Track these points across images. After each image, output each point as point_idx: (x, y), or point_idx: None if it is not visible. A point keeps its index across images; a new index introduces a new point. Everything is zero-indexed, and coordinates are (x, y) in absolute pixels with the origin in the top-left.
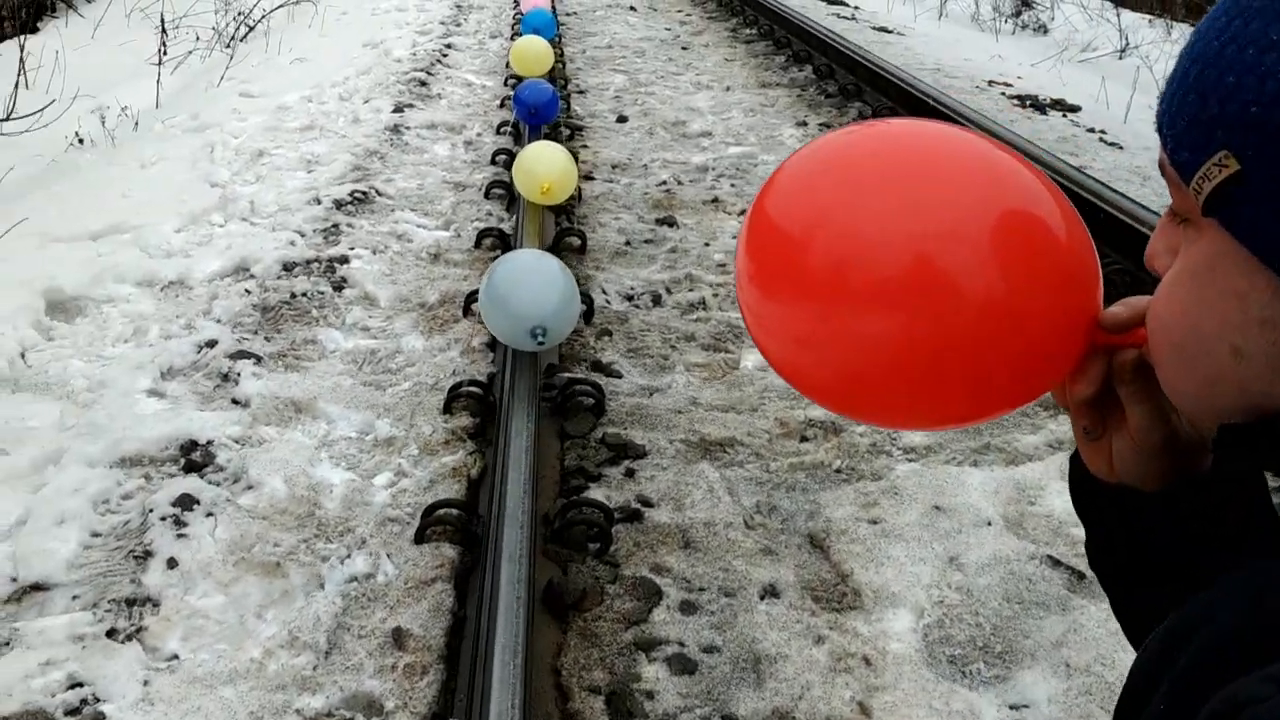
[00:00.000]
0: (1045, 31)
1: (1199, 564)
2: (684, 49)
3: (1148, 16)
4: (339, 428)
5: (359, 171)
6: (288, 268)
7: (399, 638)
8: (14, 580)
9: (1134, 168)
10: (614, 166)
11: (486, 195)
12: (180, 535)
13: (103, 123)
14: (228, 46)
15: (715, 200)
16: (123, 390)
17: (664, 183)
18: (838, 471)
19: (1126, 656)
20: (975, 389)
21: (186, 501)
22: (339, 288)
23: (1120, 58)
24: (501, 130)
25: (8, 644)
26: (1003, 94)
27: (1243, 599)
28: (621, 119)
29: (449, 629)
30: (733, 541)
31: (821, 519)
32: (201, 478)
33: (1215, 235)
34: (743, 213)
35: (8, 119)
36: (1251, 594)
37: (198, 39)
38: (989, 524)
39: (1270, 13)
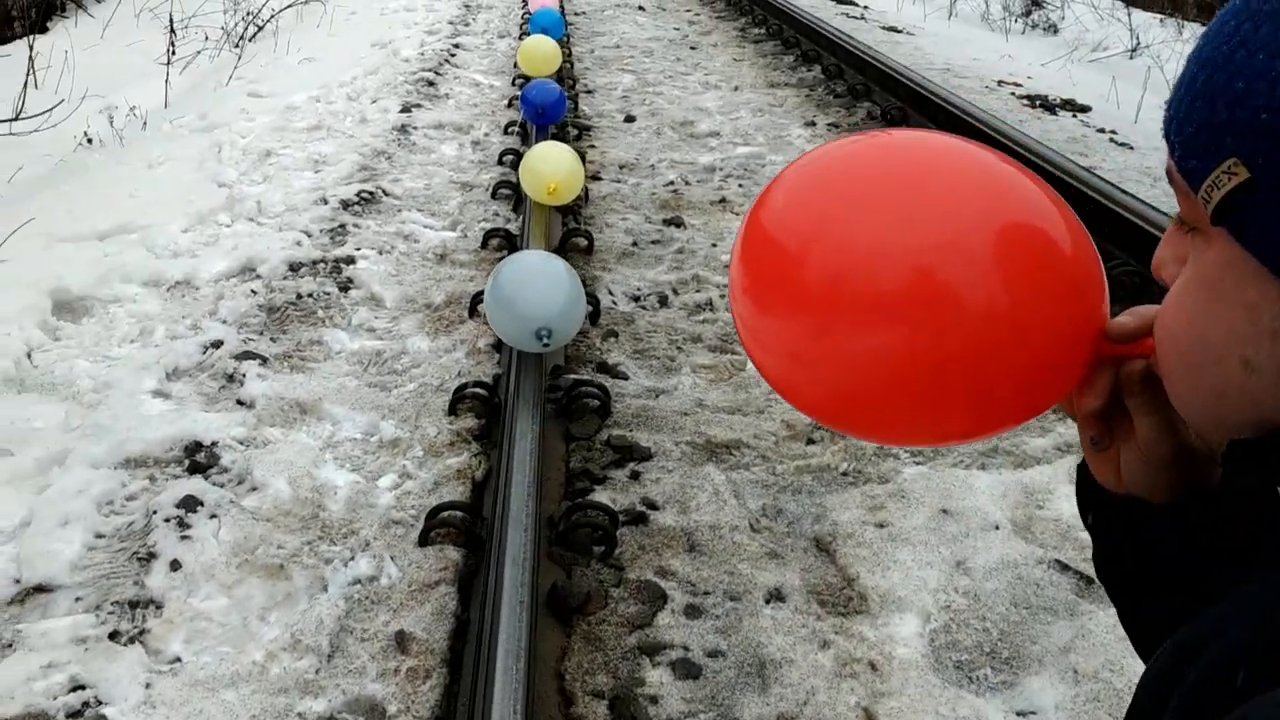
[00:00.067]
0: (1055, 31)
1: (1207, 576)
2: (692, 49)
3: (1159, 16)
4: (344, 429)
5: (366, 171)
6: (294, 268)
7: (402, 641)
8: (17, 582)
9: (1144, 168)
10: (621, 166)
11: (493, 195)
12: (184, 537)
13: (111, 123)
14: (236, 46)
15: (723, 201)
16: (128, 391)
17: (671, 183)
18: (844, 474)
19: (1135, 663)
20: (978, 404)
21: (190, 503)
22: (345, 288)
23: (1131, 57)
24: (509, 130)
25: (10, 646)
26: (1012, 94)
27: (1252, 613)
28: (629, 119)
29: (452, 632)
30: (738, 545)
31: (828, 522)
32: (206, 479)
33: (1224, 245)
34: None
35: (17, 119)
36: (1261, 609)
37: (206, 39)
38: (996, 528)
39: None
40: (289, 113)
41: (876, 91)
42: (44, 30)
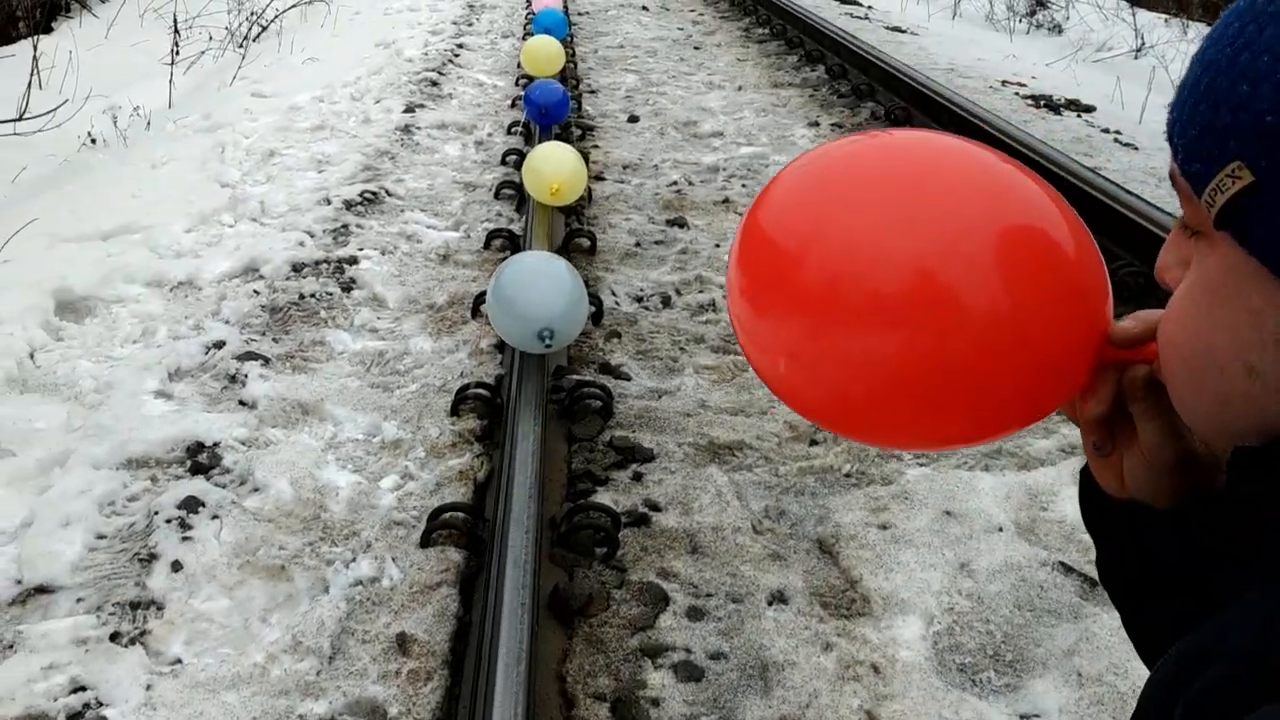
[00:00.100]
0: (1060, 31)
1: (1210, 581)
2: (696, 49)
3: (1164, 16)
4: (346, 430)
5: (369, 172)
6: (297, 268)
7: (403, 643)
8: (19, 583)
9: (1149, 169)
10: (625, 167)
11: (496, 196)
12: (185, 538)
13: (115, 123)
14: (240, 46)
15: (726, 201)
16: (130, 391)
17: (675, 183)
18: (847, 476)
19: (1139, 666)
20: (979, 408)
21: (192, 504)
22: (348, 289)
23: (1136, 57)
24: (512, 130)
25: (11, 647)
26: (1016, 94)
27: (1254, 621)
28: (633, 119)
29: (453, 634)
30: (741, 546)
31: (831, 524)
32: (207, 480)
33: (1228, 249)
34: None
35: (21, 119)
36: (1263, 616)
37: (210, 39)
38: (1000, 530)
39: None
40: (292, 113)
41: (880, 92)
42: (48, 30)
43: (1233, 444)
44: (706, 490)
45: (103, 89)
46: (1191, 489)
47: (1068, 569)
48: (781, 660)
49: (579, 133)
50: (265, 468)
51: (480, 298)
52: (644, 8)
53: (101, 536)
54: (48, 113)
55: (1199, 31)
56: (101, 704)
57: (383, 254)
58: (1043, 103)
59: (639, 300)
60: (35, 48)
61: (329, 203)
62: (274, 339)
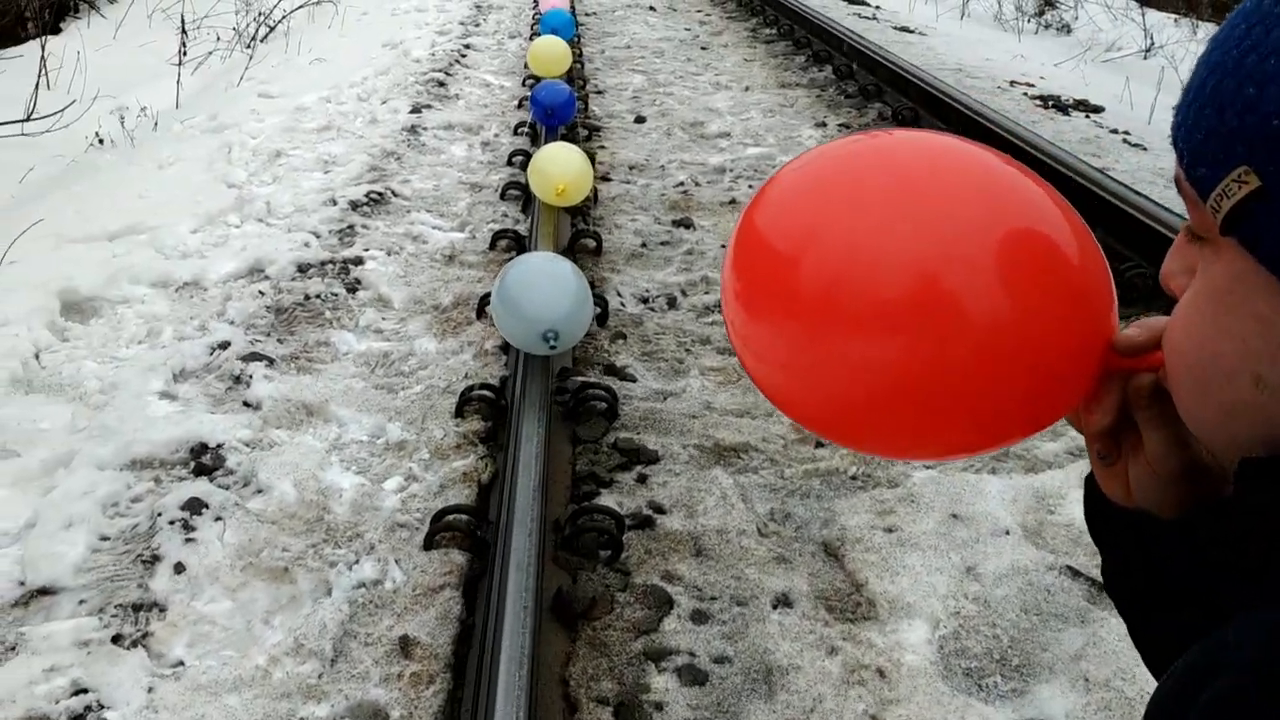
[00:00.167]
0: (1069, 31)
1: (1217, 591)
2: (703, 49)
3: (1173, 16)
4: (350, 431)
5: (375, 172)
6: (302, 269)
7: (406, 646)
8: (21, 584)
9: (1158, 169)
10: (631, 167)
11: (502, 196)
12: (188, 540)
13: (122, 123)
14: (248, 47)
15: (733, 202)
16: (135, 392)
17: (681, 184)
18: (853, 478)
19: (1147, 671)
20: (980, 417)
21: (195, 505)
22: (353, 289)
23: (1145, 58)
24: (519, 131)
25: (13, 649)
26: (1025, 94)
27: (1262, 632)
28: (639, 119)
29: (456, 637)
30: (745, 549)
31: (836, 527)
32: (211, 481)
33: (1235, 255)
34: None
35: (29, 119)
36: (1270, 628)
37: (218, 39)
38: (1007, 533)
39: None
40: (299, 113)
41: (888, 92)
42: (56, 31)
43: (1240, 454)
44: (711, 493)
45: (110, 89)
46: (1198, 499)
47: (1075, 573)
48: (786, 664)
49: (585, 133)
50: (269, 469)
51: (485, 299)
52: (651, 8)
53: (105, 538)
54: (55, 113)
55: (1208, 32)
56: (103, 706)
57: (388, 255)
58: (1051, 103)
59: (644, 301)
60: (43, 48)
61: (335, 203)
62: (279, 340)
